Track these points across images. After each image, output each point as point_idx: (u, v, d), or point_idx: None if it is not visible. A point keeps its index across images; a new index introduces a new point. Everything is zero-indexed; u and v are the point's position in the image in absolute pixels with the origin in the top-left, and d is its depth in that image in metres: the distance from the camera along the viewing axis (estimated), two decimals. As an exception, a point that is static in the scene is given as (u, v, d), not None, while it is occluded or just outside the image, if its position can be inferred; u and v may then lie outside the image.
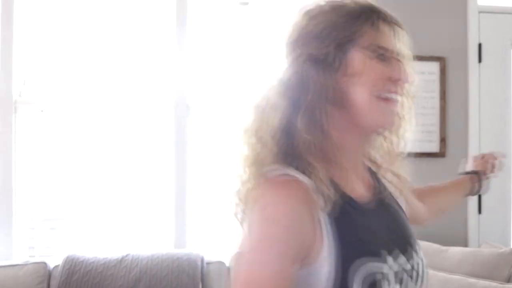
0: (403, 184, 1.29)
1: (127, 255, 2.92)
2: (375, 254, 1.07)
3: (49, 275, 2.85)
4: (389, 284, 1.07)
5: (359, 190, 1.17)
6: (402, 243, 1.16)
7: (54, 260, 2.91)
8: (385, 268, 1.07)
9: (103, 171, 3.17)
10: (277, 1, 3.32)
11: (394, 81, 1.13)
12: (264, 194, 1.04)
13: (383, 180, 1.27)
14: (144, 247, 3.08)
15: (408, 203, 1.34)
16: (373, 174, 1.27)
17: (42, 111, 3.13)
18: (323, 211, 1.04)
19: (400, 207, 1.28)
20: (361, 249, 1.06)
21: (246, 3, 3.32)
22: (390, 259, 1.09)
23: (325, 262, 1.02)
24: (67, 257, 2.88)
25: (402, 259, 1.13)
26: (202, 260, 2.97)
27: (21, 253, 3.09)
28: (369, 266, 1.04)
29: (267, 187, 1.05)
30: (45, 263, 2.86)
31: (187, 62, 3.21)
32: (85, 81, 3.17)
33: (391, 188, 1.27)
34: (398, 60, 1.14)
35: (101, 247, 3.10)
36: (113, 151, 3.18)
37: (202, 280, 2.92)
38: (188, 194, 3.20)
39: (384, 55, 1.12)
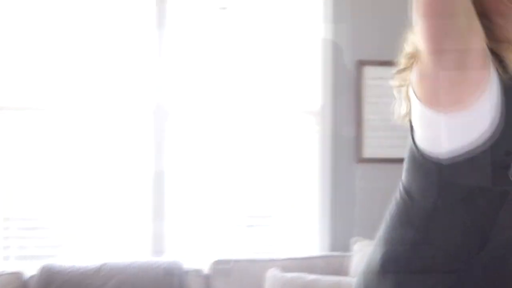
0: None
1: (105, 264, 2.88)
2: None
3: (24, 285, 2.80)
4: None
5: None
6: None
7: (30, 270, 2.85)
8: None
9: (80, 177, 3.12)
10: (255, 6, 3.33)
11: None
12: None
13: None
14: (122, 255, 3.04)
15: None
16: None
17: (19, 117, 3.08)
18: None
19: None
20: None
21: (225, 8, 3.32)
22: None
23: (486, 107, 0.99)
24: (43, 267, 2.82)
25: None
26: (181, 268, 2.95)
27: (-5, 262, 3.02)
28: None
29: None
30: (20, 273, 2.81)
31: (167, 66, 3.19)
32: (63, 86, 3.13)
33: None
34: None
35: (78, 256, 3.05)
36: (90, 157, 3.13)
37: (181, 288, 2.89)
38: (166, 200, 3.17)
39: None
